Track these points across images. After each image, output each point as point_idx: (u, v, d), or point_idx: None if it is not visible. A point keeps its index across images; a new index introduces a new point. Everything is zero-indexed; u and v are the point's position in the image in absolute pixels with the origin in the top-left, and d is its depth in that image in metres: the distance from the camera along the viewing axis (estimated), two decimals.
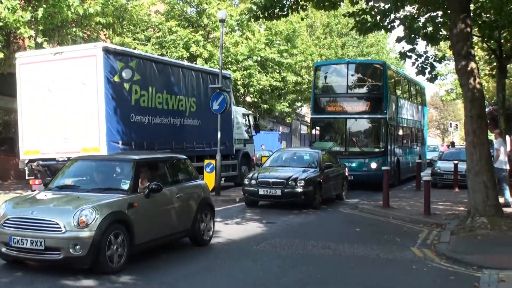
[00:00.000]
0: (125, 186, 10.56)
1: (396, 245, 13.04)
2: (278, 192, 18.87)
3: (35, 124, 19.44)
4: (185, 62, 28.74)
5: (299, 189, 18.72)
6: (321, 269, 10.49)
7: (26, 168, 19.83)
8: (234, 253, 11.97)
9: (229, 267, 10.59)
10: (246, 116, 29.72)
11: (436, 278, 10.06)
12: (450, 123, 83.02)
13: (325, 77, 28.12)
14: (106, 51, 18.78)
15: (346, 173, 22.69)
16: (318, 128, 27.90)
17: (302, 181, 18.76)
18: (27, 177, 19.86)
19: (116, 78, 19.01)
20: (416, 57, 18.19)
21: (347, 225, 16.28)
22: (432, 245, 12.90)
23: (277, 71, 39.96)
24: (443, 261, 11.18)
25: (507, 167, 19.34)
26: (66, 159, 17.59)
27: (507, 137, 24.70)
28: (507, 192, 18.86)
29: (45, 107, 19.18)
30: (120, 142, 18.97)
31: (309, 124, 27.46)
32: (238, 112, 28.56)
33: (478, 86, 14.84)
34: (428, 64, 18.27)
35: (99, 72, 18.41)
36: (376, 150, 26.02)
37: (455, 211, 18.06)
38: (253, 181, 19.44)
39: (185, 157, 13.40)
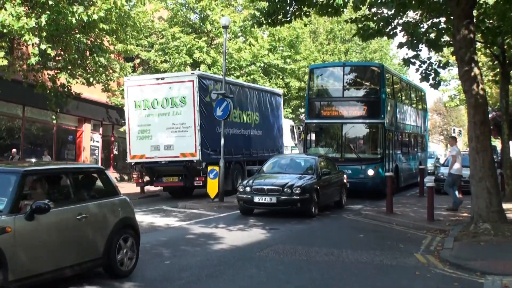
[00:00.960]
0: (1, 205, 8.27)
1: (400, 251, 13.03)
2: (274, 199, 18.20)
3: (140, 135, 24.11)
4: (252, 84, 32.60)
5: (295, 197, 18.08)
6: (325, 275, 10.49)
7: (135, 169, 26.09)
8: (238, 259, 11.95)
9: (233, 274, 10.59)
10: (291, 127, 36.45)
11: (440, 284, 10.05)
12: (454, 129, 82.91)
13: (321, 80, 27.44)
14: (200, 77, 23.75)
15: (345, 180, 22.18)
16: (313, 133, 26.88)
17: (298, 189, 18.13)
18: (133, 177, 25.19)
19: (207, 99, 23.74)
20: (419, 63, 18.21)
21: (351, 231, 16.28)
22: (436, 251, 12.90)
23: (280, 77, 39.98)
24: (446, 267, 11.17)
25: (462, 173, 20.35)
26: (167, 161, 23.61)
27: (511, 143, 24.65)
28: (455, 197, 20.04)
29: (149, 121, 23.86)
30: (210, 149, 23.70)
31: (303, 129, 26.91)
32: (285, 123, 33.96)
33: (481, 92, 14.84)
34: (432, 70, 18.27)
35: (195, 94, 23.19)
36: (373, 156, 25.15)
37: (459, 217, 18.07)
38: (248, 189, 18.74)
39: (100, 167, 11.18)
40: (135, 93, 24.35)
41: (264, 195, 18.35)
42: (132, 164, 25.29)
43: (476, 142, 14.71)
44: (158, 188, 27.38)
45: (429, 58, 18.74)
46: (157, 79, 24.55)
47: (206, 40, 35.63)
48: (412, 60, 18.00)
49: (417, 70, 18.37)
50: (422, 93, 35.95)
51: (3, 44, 21.36)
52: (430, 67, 18.32)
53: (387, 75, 26.64)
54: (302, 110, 48.85)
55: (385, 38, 19.43)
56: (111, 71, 28.14)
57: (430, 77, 18.21)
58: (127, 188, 31.74)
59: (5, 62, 20.94)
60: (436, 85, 18.69)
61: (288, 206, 18.28)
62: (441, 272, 10.85)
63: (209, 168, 22.83)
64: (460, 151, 21.10)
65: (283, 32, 38.69)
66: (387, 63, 51.89)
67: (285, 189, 18.13)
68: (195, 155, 23.08)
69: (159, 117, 23.78)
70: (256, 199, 18.43)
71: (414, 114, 32.10)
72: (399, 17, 17.71)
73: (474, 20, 16.58)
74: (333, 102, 26.40)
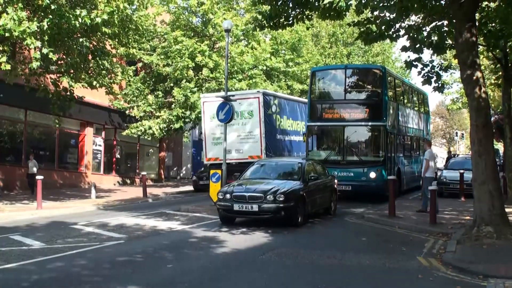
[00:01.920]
0: None
1: (402, 254, 13.03)
2: (255, 207, 16.69)
3: (215, 141, 28.01)
4: (299, 98, 35.80)
5: (279, 204, 16.59)
6: (327, 278, 10.48)
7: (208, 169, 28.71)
8: (240, 263, 11.95)
9: (235, 277, 10.57)
10: None
11: (442, 287, 10.04)
12: (456, 132, 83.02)
13: (322, 83, 27.43)
14: (264, 94, 27.29)
15: (335, 185, 21.37)
16: (315, 136, 26.78)
17: (282, 195, 16.68)
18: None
19: (269, 111, 27.43)
20: (422, 66, 18.20)
21: (353, 235, 16.28)
22: (438, 254, 12.89)
23: (283, 80, 39.98)
24: (449, 270, 11.16)
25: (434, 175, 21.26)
26: (238, 163, 26.10)
27: None
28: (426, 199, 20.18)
29: (222, 130, 25.91)
30: (272, 152, 26.91)
31: (304, 132, 26.97)
32: None
33: (483, 95, 14.83)
34: (434, 73, 18.26)
35: (261, 108, 26.59)
36: (376, 159, 25.01)
37: (461, 220, 18.05)
38: (228, 196, 17.27)
39: None
40: (210, 108, 27.83)
41: (245, 202, 16.96)
42: (208, 165, 28.72)
43: (479, 145, 14.70)
44: (161, 192, 27.30)
45: (431, 61, 18.75)
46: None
47: (208, 44, 35.63)
48: (414, 63, 18.01)
49: (419, 73, 18.37)
50: (424, 96, 35.94)
51: (5, 48, 21.35)
52: (432, 70, 18.32)
53: (389, 78, 26.60)
54: None
55: (388, 41, 19.40)
56: (113, 74, 28.15)
57: (432, 80, 18.21)
58: (130, 192, 31.82)
59: (8, 67, 20.91)
60: (440, 89, 18.69)
61: (270, 214, 16.78)
62: (444, 275, 10.83)
63: (212, 171, 23.08)
64: (433, 154, 21.53)
65: (285, 36, 38.72)
66: (390, 66, 51.92)
67: (268, 196, 16.73)
68: (261, 157, 25.68)
69: (231, 126, 26.67)
70: (236, 207, 17.03)
71: (416, 117, 32.08)
72: (401, 21, 17.71)
73: (476, 24, 16.59)
74: (335, 105, 26.27)
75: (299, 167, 19.29)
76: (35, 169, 27.88)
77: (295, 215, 17.18)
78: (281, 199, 16.66)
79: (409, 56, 27.28)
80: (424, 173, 20.70)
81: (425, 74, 18.23)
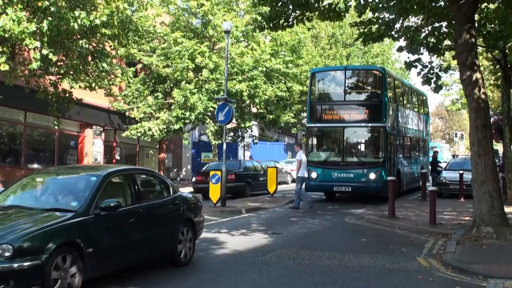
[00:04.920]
0: None
1: (402, 255, 13.04)
2: None
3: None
4: None
5: (4, 265, 8.02)
6: (327, 279, 10.49)
7: None
8: (240, 264, 11.95)
9: (235, 279, 10.58)
10: None
11: None
12: (456, 133, 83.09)
13: (322, 84, 27.39)
14: None
15: (198, 212, 12.66)
16: (314, 137, 26.58)
17: (10, 248, 8.07)
18: None
19: None
20: (421, 67, 18.23)
21: (353, 236, 16.28)
22: (438, 255, 12.91)
23: (283, 81, 39.97)
24: (449, 271, 11.18)
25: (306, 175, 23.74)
26: None
27: None
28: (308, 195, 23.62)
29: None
30: None
31: (304, 133, 26.77)
32: None
33: (483, 96, 14.87)
34: (434, 74, 18.29)
35: None
36: (375, 160, 25.02)
37: (461, 220, 18.06)
38: None
39: None
40: None
41: None
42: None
43: (478, 145, 14.73)
44: None
45: (430, 62, 18.78)
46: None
47: (208, 45, 35.63)
48: (414, 64, 18.04)
49: (419, 74, 18.39)
50: (424, 97, 35.96)
51: (5, 49, 21.33)
52: (431, 71, 18.35)
53: (388, 79, 26.57)
54: (304, 114, 48.97)
55: (387, 42, 19.50)
56: (113, 76, 28.11)
57: (432, 81, 18.23)
58: None
59: (6, 67, 20.88)
60: (436, 89, 18.72)
61: None
62: (444, 276, 10.86)
63: (211, 173, 23.04)
64: (305, 156, 23.90)
65: (285, 37, 38.71)
66: (389, 67, 52.00)
67: None
68: None
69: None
70: None
71: (415, 118, 32.08)
72: (400, 22, 17.75)
73: (476, 25, 16.63)
74: (335, 106, 26.24)
75: (84, 186, 10.16)
76: None
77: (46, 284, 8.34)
78: (7, 254, 8.09)
79: (408, 57, 27.29)
80: (296, 173, 23.36)
81: (425, 75, 18.26)
